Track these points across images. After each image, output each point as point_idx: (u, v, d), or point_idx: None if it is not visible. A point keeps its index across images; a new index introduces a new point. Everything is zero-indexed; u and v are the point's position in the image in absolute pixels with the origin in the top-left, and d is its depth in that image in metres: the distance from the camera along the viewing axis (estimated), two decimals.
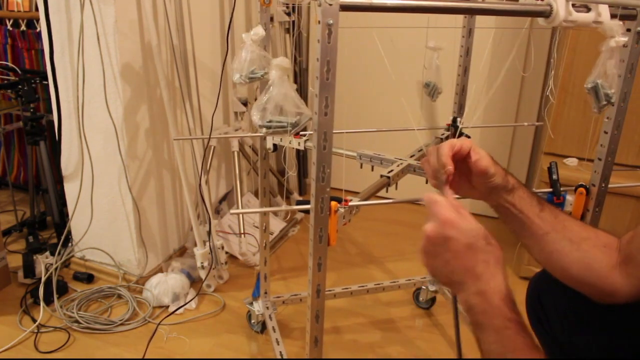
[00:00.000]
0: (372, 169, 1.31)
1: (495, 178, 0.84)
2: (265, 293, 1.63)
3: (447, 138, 1.49)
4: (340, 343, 1.66)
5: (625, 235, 0.83)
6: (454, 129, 1.48)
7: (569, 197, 1.11)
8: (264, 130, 0.91)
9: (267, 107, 0.89)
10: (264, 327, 1.66)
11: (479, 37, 1.49)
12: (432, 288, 1.77)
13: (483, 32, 1.53)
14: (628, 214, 1.80)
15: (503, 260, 0.66)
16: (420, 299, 1.83)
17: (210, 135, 1.56)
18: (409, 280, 1.78)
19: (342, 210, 0.94)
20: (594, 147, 1.82)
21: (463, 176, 0.87)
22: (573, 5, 0.86)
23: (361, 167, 1.33)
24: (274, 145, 1.39)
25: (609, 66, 0.94)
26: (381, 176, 1.19)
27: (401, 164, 1.25)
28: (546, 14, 0.87)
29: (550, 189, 1.12)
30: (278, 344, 1.48)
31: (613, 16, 0.88)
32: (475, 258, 0.65)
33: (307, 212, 0.89)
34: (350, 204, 0.96)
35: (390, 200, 1.06)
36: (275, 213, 2.40)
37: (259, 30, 1.15)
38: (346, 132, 1.21)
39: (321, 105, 0.80)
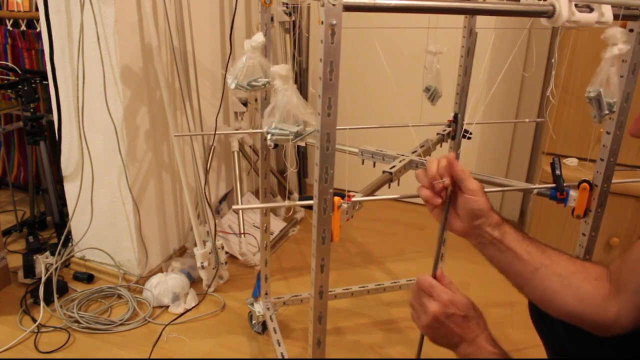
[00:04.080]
0: (374, 165, 1.31)
1: (479, 199, 0.84)
2: (266, 294, 1.63)
3: (448, 134, 1.49)
4: (341, 343, 1.66)
5: (613, 264, 0.82)
6: (456, 125, 1.48)
7: (573, 193, 1.10)
8: (269, 136, 0.91)
9: (274, 114, 0.89)
10: (264, 327, 1.66)
11: (480, 37, 1.48)
12: None
13: (484, 32, 1.52)
14: (628, 214, 1.80)
15: (484, 317, 0.85)
16: None
17: (215, 131, 1.54)
18: (410, 280, 1.78)
19: (345, 205, 0.93)
20: (594, 147, 1.83)
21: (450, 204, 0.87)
22: (576, 5, 0.85)
23: (362, 163, 1.33)
24: (275, 144, 1.38)
25: (612, 74, 0.93)
26: (383, 172, 1.18)
27: (403, 159, 1.25)
28: (549, 14, 0.85)
29: (554, 185, 1.11)
30: (279, 345, 1.47)
31: (616, 16, 0.87)
32: (469, 324, 0.83)
33: (310, 207, 0.88)
34: (353, 199, 0.96)
35: (394, 196, 1.06)
36: (275, 213, 2.40)
37: (259, 37, 1.14)
38: (348, 129, 1.20)
39: (324, 106, 0.79)
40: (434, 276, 0.87)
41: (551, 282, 0.82)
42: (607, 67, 0.94)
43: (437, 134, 1.47)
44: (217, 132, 1.56)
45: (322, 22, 0.74)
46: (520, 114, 2.41)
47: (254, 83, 1.16)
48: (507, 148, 2.47)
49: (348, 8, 0.74)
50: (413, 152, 1.31)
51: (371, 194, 1.10)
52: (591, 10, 0.86)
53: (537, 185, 1.16)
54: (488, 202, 0.85)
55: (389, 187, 1.18)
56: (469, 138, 1.49)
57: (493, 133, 2.45)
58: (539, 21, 0.90)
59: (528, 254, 0.84)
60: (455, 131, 1.48)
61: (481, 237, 0.86)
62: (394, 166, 1.21)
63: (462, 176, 0.84)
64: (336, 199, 0.87)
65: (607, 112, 0.98)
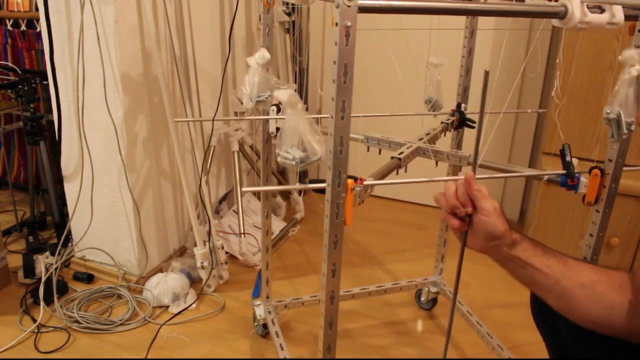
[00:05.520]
0: (380, 152, 1.30)
1: (494, 220, 0.83)
2: (267, 297, 1.63)
3: (452, 123, 1.49)
4: (343, 344, 1.66)
5: (638, 269, 0.82)
6: (459, 115, 1.48)
7: (583, 179, 1.09)
8: (279, 158, 0.93)
9: (283, 139, 0.91)
10: (265, 328, 1.66)
11: (481, 38, 1.49)
12: (433, 289, 1.77)
13: (485, 32, 1.53)
14: (628, 214, 1.80)
15: None
16: (422, 299, 1.83)
17: (213, 127, 1.54)
18: (411, 282, 1.78)
19: (357, 189, 0.92)
20: (595, 147, 1.83)
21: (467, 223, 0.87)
22: (587, 6, 0.84)
23: (368, 150, 1.32)
24: (277, 129, 1.33)
25: (630, 94, 0.93)
26: (392, 158, 1.17)
27: (411, 146, 1.24)
28: (561, 15, 0.84)
29: (564, 171, 1.09)
30: (282, 349, 1.46)
31: (627, 17, 0.86)
32: None
33: (322, 191, 0.87)
34: (365, 183, 0.95)
35: (404, 180, 1.04)
36: (275, 213, 2.40)
37: (264, 54, 1.15)
38: (354, 117, 1.19)
39: (338, 109, 0.78)
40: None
41: (574, 293, 0.82)
42: (625, 87, 0.93)
43: (442, 122, 1.47)
44: (219, 119, 1.56)
45: (336, 24, 0.73)
46: (520, 114, 2.41)
47: (257, 99, 1.20)
48: (507, 148, 2.47)
49: (363, 9, 0.73)
50: (420, 140, 1.31)
51: (381, 178, 1.09)
52: (602, 11, 0.85)
53: (547, 172, 1.13)
54: (504, 223, 0.84)
55: (397, 174, 1.17)
56: (473, 127, 1.49)
57: (493, 133, 2.44)
58: (540, 22, 0.89)
59: (548, 267, 0.84)
60: (459, 121, 1.48)
61: (499, 255, 0.86)
62: (402, 152, 1.20)
63: (478, 196, 0.83)
64: (349, 181, 0.86)
65: (626, 131, 0.98)
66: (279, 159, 0.94)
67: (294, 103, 0.90)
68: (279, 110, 1.31)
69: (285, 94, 0.90)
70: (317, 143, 0.92)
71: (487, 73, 0.74)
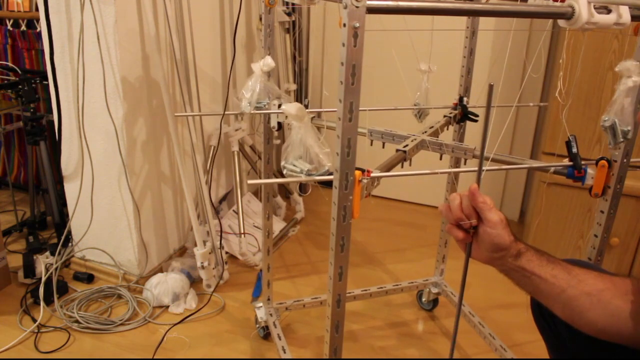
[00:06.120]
0: (383, 146, 1.30)
1: (500, 232, 0.83)
2: (268, 299, 1.62)
3: (454, 117, 1.49)
4: (347, 346, 1.65)
5: None
6: (461, 108, 1.48)
7: (590, 171, 1.08)
8: (285, 171, 0.92)
9: (289, 151, 0.91)
10: (266, 330, 1.65)
11: (482, 39, 1.49)
12: (434, 290, 1.77)
13: (484, 33, 1.53)
14: (628, 214, 1.80)
15: None
16: (423, 300, 1.83)
17: (220, 123, 1.55)
18: (412, 282, 1.78)
19: (365, 181, 0.91)
20: (594, 147, 1.83)
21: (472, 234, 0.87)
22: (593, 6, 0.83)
23: (371, 144, 1.32)
24: (279, 123, 1.33)
25: (626, 104, 0.93)
26: (397, 150, 1.17)
27: (415, 139, 1.23)
28: (567, 15, 0.83)
29: (570, 163, 1.08)
30: (285, 352, 1.45)
31: (634, 17, 0.85)
32: None
33: (329, 184, 0.86)
34: (372, 175, 0.94)
35: (410, 172, 1.04)
36: (275, 213, 2.40)
37: (269, 62, 1.15)
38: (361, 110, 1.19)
39: (345, 110, 0.77)
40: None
41: (579, 302, 0.82)
42: (621, 97, 0.93)
43: (444, 116, 1.46)
44: (221, 112, 1.56)
45: (344, 25, 0.72)
46: (520, 114, 2.41)
47: (257, 105, 1.22)
48: (507, 148, 2.47)
49: (371, 10, 0.72)
50: (424, 133, 1.31)
51: (387, 170, 1.07)
52: (609, 11, 0.84)
53: (553, 164, 1.12)
54: (509, 235, 0.84)
55: (402, 167, 1.16)
56: (475, 120, 1.49)
57: (493, 133, 2.44)
58: (541, 22, 0.89)
59: (553, 277, 0.83)
60: (461, 114, 1.48)
61: (504, 266, 0.86)
62: (406, 145, 1.19)
63: (484, 207, 0.83)
64: (357, 173, 0.85)
65: (622, 139, 0.98)
66: (285, 172, 0.93)
67: (301, 116, 0.89)
68: (279, 129, 1.32)
69: (293, 107, 0.90)
70: (325, 155, 0.91)
71: (491, 87, 0.73)
